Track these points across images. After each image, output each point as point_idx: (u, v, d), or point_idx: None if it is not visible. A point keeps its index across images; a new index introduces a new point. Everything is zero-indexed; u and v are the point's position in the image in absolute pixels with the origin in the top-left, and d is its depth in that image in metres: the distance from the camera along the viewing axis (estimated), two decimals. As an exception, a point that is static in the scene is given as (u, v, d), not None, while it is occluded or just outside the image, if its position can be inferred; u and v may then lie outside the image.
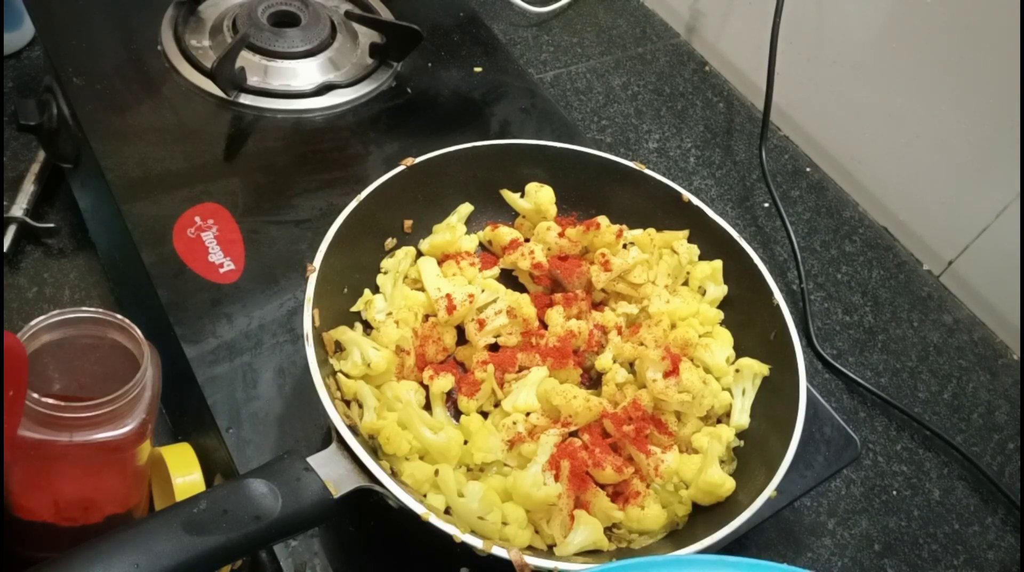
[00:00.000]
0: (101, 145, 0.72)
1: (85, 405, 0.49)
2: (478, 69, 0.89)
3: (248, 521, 0.46)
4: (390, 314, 0.64)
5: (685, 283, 0.69)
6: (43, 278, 0.76)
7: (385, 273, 0.67)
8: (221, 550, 0.44)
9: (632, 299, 0.68)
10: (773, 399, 0.62)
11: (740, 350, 0.65)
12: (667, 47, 1.15)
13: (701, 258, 0.69)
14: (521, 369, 0.64)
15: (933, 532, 0.75)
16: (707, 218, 0.68)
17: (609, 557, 0.55)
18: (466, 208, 0.71)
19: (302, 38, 0.83)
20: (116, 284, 0.76)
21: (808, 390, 0.59)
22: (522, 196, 0.72)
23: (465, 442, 0.58)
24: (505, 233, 0.70)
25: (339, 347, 0.59)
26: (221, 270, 0.66)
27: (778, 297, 0.64)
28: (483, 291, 0.65)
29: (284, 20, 0.85)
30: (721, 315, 0.67)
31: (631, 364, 0.64)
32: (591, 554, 0.55)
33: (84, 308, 0.52)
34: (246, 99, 0.79)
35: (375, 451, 0.55)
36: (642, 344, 0.64)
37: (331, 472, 0.50)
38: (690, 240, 0.70)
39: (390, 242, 0.68)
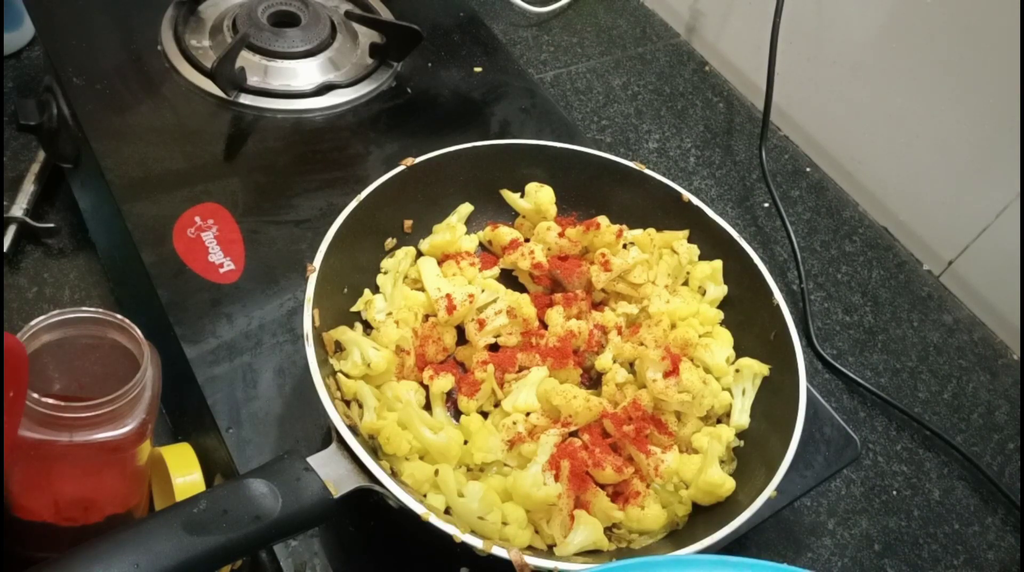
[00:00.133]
0: (101, 145, 0.72)
1: (85, 405, 0.49)
2: (478, 69, 0.89)
3: (248, 521, 0.46)
4: (390, 314, 0.64)
5: (685, 283, 0.69)
6: (43, 278, 0.76)
7: (385, 273, 0.67)
8: (221, 550, 0.44)
9: (632, 299, 0.68)
10: (773, 399, 0.62)
11: (740, 350, 0.65)
12: (667, 47, 1.15)
13: (701, 258, 0.69)
14: (521, 369, 0.64)
15: (933, 532, 0.75)
16: (707, 218, 0.68)
17: (609, 557, 0.55)
18: (466, 208, 0.71)
19: (302, 38, 0.83)
20: (116, 284, 0.76)
21: (808, 390, 0.59)
22: (522, 196, 0.72)
23: (465, 442, 0.58)
24: (505, 233, 0.70)
25: (339, 347, 0.59)
26: (221, 270, 0.66)
27: (778, 297, 0.64)
28: (483, 291, 0.65)
29: (284, 20, 0.85)
30: (721, 315, 0.67)
31: (631, 364, 0.64)
32: (591, 554, 0.55)
33: (84, 308, 0.52)
34: (246, 99, 0.79)
35: (375, 451, 0.55)
36: (642, 344, 0.64)
37: (331, 472, 0.50)
38: (690, 240, 0.70)
39: (390, 242, 0.68)
